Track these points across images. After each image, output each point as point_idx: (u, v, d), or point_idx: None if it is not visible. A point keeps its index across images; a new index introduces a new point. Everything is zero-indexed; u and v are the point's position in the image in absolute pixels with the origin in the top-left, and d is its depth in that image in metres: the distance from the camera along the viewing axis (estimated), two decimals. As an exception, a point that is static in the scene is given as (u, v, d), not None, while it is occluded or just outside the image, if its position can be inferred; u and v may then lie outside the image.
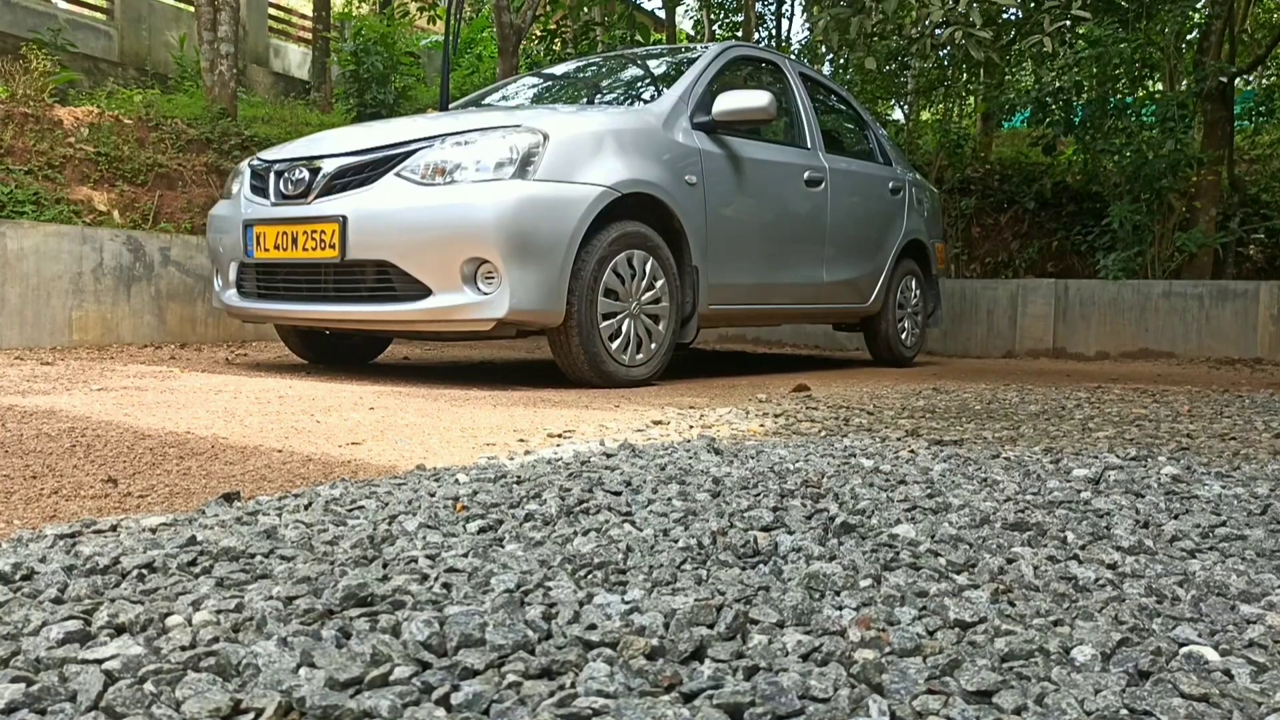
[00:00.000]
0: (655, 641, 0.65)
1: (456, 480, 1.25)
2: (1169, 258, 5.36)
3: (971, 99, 8.17)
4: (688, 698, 0.58)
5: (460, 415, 2.11)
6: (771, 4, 8.92)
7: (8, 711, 0.54)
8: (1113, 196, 5.69)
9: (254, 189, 3.01)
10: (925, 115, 8.83)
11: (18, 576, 0.78)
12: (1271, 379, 3.78)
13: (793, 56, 7.02)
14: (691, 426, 2.07)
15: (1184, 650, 0.67)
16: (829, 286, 3.89)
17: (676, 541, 0.94)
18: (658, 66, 3.55)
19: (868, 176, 4.20)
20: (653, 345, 3.01)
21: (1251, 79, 7.97)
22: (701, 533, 0.96)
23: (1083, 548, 0.95)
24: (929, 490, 1.20)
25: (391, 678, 0.59)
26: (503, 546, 0.92)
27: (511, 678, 0.59)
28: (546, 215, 2.67)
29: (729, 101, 3.20)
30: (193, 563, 0.84)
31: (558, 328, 2.79)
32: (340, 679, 0.58)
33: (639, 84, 3.55)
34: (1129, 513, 1.09)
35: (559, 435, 1.86)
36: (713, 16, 9.12)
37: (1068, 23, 4.56)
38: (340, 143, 2.90)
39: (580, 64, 3.91)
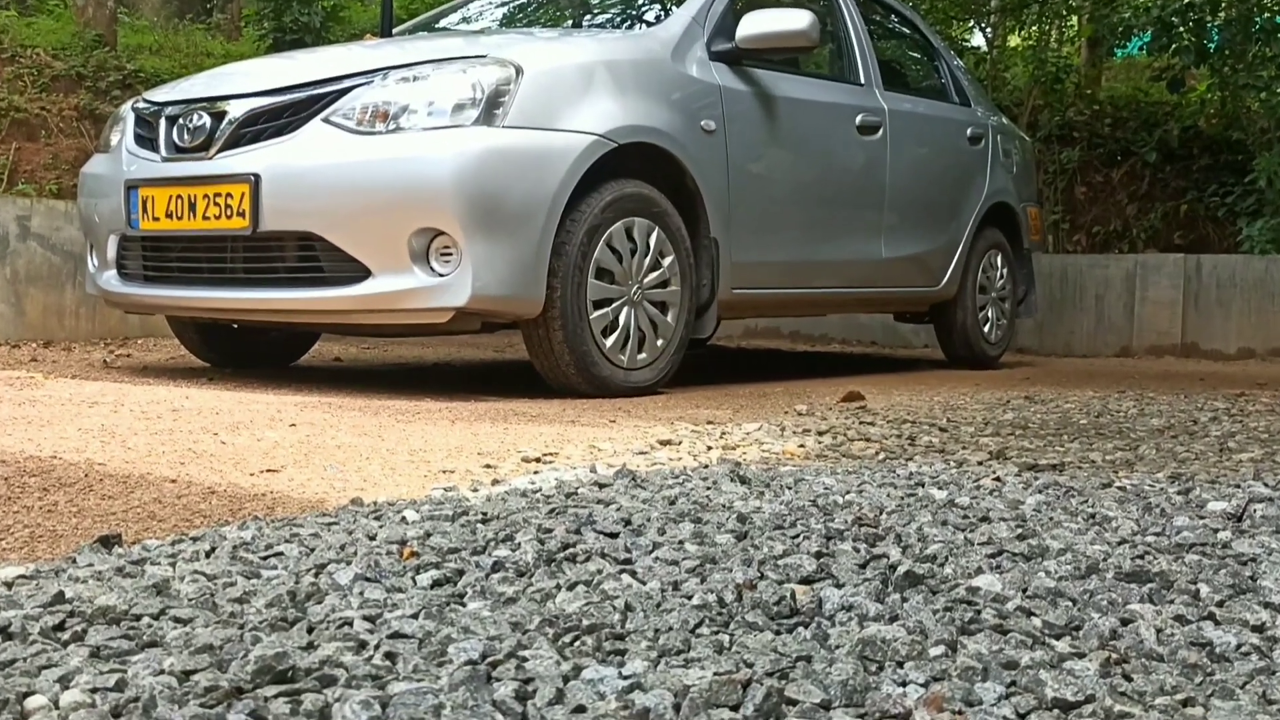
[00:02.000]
0: (663, 728, 0.65)
1: (404, 518, 1.26)
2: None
3: (1074, 19, 8.15)
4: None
5: (409, 434, 2.12)
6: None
7: None
8: (1259, 146, 5.67)
9: (139, 140, 3.02)
10: (1014, 41, 8.80)
11: None
12: None
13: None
14: (710, 448, 2.08)
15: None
16: (889, 265, 3.91)
17: (690, 598, 0.94)
18: (664, -23, 3.62)
19: (939, 121, 4.22)
20: (659, 342, 3.05)
21: None
22: (723, 586, 0.97)
23: (1220, 605, 0.95)
24: (1020, 530, 1.21)
25: (319, 779, 0.59)
26: (464, 605, 0.93)
27: (475, 778, 0.59)
28: (520, 173, 2.69)
29: (758, 23, 3.21)
30: (60, 626, 0.84)
31: (535, 319, 2.83)
32: (252, 780, 0.58)
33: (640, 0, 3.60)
34: (1281, 559, 1.11)
35: (537, 459, 1.89)
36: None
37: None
38: (252, 79, 2.92)
39: (564, -27, 3.96)
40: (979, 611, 0.91)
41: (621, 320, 2.95)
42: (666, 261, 3.04)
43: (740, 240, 3.27)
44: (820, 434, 2.29)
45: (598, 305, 2.89)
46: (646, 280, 3.00)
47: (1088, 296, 5.42)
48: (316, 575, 1.01)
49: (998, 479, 1.58)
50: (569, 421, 2.41)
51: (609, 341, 2.92)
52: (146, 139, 3.00)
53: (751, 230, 3.31)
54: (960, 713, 0.69)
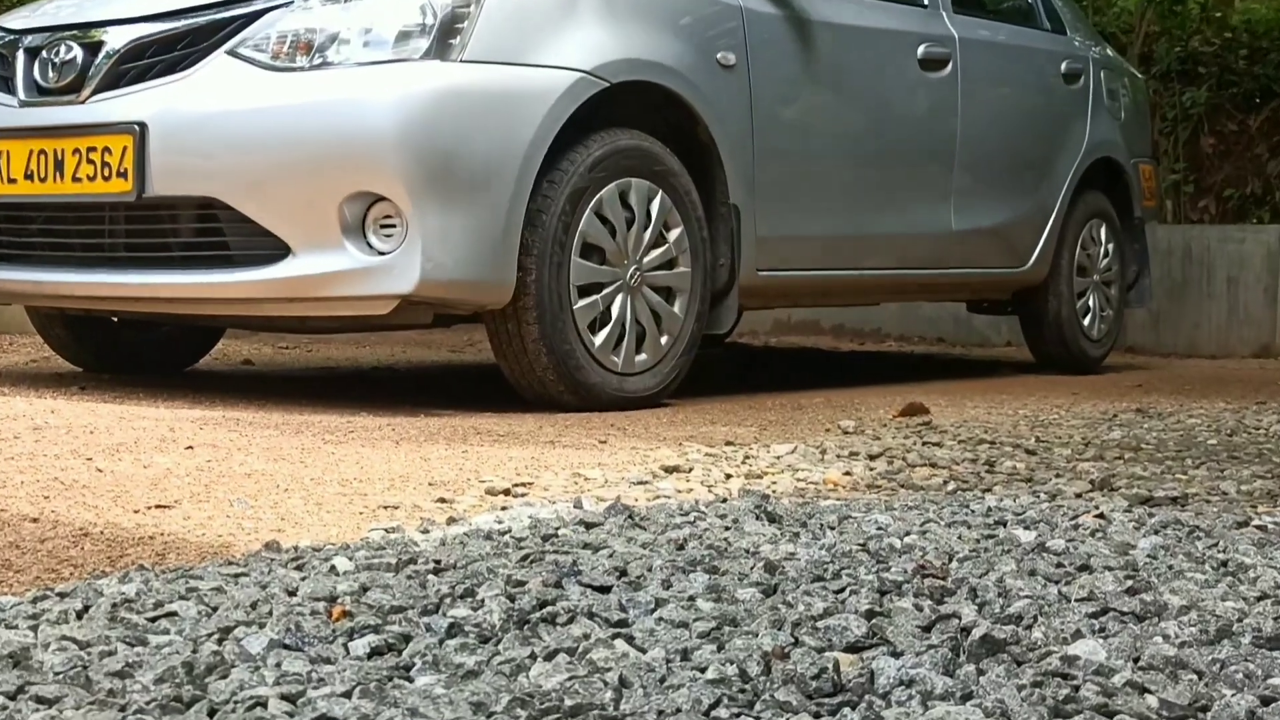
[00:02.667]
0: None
1: (333, 568, 1.26)
2: None
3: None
4: None
5: (340, 459, 2.13)
6: None
7: None
8: None
9: (-9, 78, 3.04)
10: (1122, -52, 8.79)
11: None
12: None
13: None
14: (729, 476, 2.08)
15: None
16: (961, 239, 3.92)
17: (703, 670, 0.94)
18: None
19: (1025, 53, 4.23)
20: (663, 339, 3.07)
21: None
22: (745, 655, 0.97)
23: (1390, 679, 0.95)
24: (1130, 582, 1.21)
25: None
26: (410, 680, 0.93)
27: None
28: (483, 121, 2.70)
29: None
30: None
31: (503, 310, 2.84)
32: None
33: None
34: None
35: (506, 491, 1.90)
36: None
37: None
38: (136, 0, 2.92)
39: None
40: (1077, 688, 0.91)
41: (614, 311, 2.96)
42: (673, 235, 3.05)
43: (768, 208, 3.27)
44: (872, 458, 2.28)
45: (584, 292, 2.90)
46: (646, 260, 3.01)
47: (1217, 280, 5.42)
48: (220, 642, 1.01)
49: (1101, 516, 1.59)
50: (547, 442, 2.42)
51: (598, 339, 2.93)
52: (0, 78, 3.00)
53: (783, 195, 3.30)
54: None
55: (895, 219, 3.71)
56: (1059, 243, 4.28)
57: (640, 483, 2.00)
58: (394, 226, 2.66)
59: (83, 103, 2.80)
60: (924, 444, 2.47)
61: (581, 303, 2.90)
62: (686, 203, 3.07)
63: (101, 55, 2.81)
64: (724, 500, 1.76)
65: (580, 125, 2.85)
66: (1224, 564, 1.31)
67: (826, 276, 3.60)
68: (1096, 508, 1.67)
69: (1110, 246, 4.55)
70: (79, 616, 1.09)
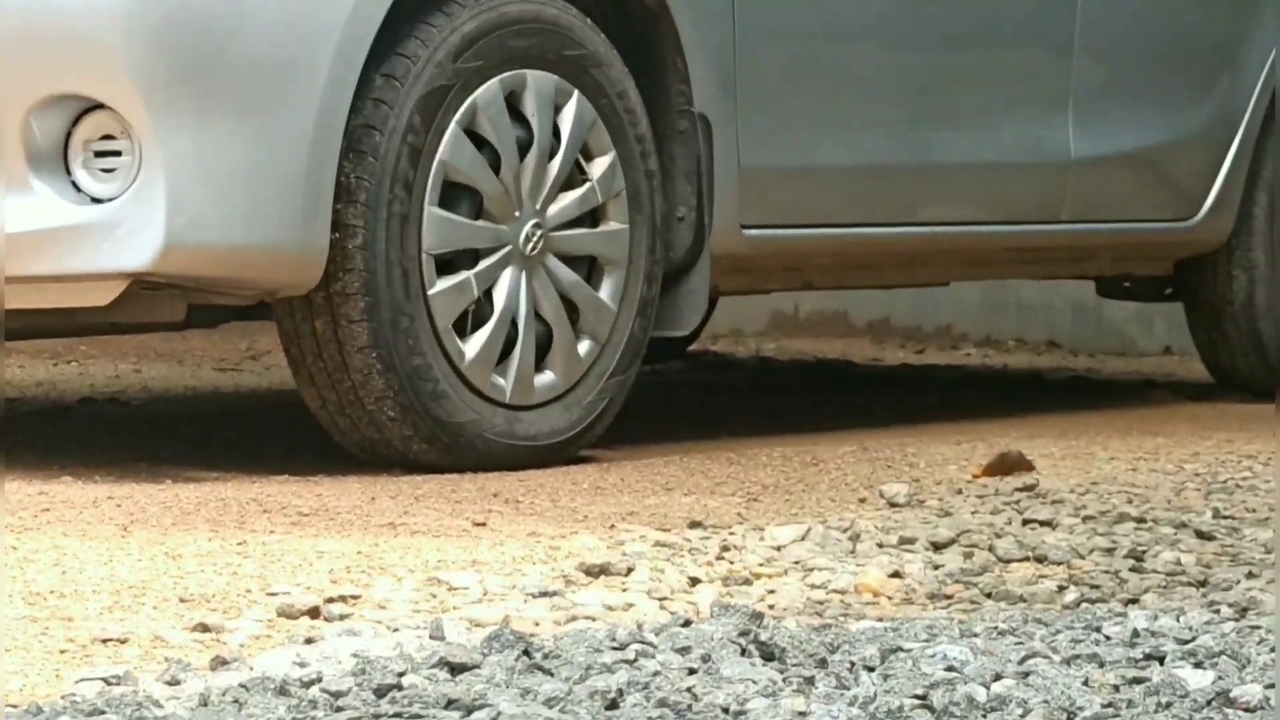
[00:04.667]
0: None
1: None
2: None
3: None
4: None
5: (28, 557, 2.11)
6: None
7: None
8: None
9: None
10: None
11: None
12: None
13: None
14: (697, 581, 2.08)
15: None
16: (1085, 173, 3.99)
17: None
18: None
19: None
20: (582, 346, 3.11)
21: None
22: None
23: None
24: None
25: None
26: None
27: None
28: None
29: None
30: None
31: (309, 298, 2.89)
32: None
33: None
34: None
35: (313, 611, 1.89)
36: None
37: None
38: None
39: None
40: None
41: (498, 300, 2.99)
42: (598, 168, 3.09)
43: (760, 120, 3.30)
44: (938, 548, 2.30)
45: (446, 267, 2.96)
46: (553, 210, 3.05)
47: None
48: None
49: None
50: (384, 525, 2.42)
51: (471, 346, 2.97)
52: None
53: (784, 99, 3.35)
54: None
55: (974, 140, 3.76)
56: (1252, 179, 4.30)
57: (545, 594, 1.99)
58: (119, 155, 2.67)
59: None
60: (1025, 523, 2.46)
61: (442, 284, 2.93)
62: (620, 112, 3.10)
63: None
64: (686, 623, 1.74)
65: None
66: None
67: (859, 236, 3.62)
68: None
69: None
70: None
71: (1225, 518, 2.51)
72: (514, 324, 2.99)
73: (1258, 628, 1.69)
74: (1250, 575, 2.11)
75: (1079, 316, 5.72)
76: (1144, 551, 2.27)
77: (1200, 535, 2.38)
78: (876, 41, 3.56)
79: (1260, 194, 4.34)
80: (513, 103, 2.99)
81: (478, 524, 2.44)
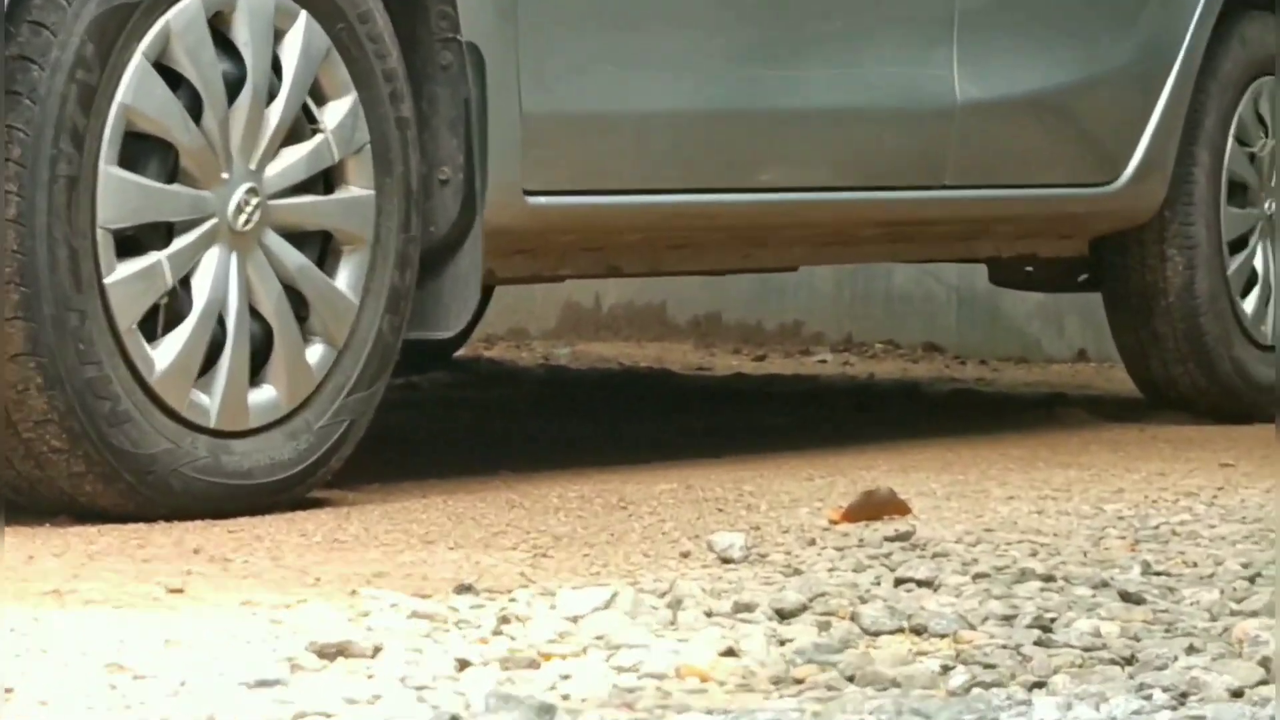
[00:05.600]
0: None
1: None
2: None
3: None
4: None
5: None
6: None
7: None
8: None
9: None
10: None
11: None
12: None
13: None
14: (466, 664, 1.96)
15: None
16: (975, 123, 4.01)
17: None
18: None
19: None
20: (312, 352, 3.11)
21: None
22: None
23: None
24: None
25: None
26: None
27: None
28: None
29: None
30: None
31: None
32: None
33: None
34: None
35: None
36: None
37: None
38: None
39: None
40: None
41: (199, 291, 2.92)
42: (333, 115, 3.06)
43: (547, 55, 3.31)
44: (784, 617, 2.23)
45: (130, 246, 2.89)
46: (272, 170, 3.00)
47: None
48: None
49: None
50: (46, 593, 2.29)
51: (162, 352, 2.89)
52: None
53: (577, 26, 3.37)
54: None
55: (829, 80, 3.73)
56: (1191, 131, 4.32)
57: (263, 684, 1.82)
58: None
59: None
60: (898, 583, 2.40)
61: (124, 270, 2.84)
62: (363, 40, 3.05)
63: None
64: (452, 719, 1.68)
65: None
66: None
67: (680, 206, 3.51)
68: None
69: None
70: None
71: (1157, 574, 2.52)
72: (221, 323, 2.94)
73: (1200, 718, 1.71)
74: (1191, 650, 2.04)
75: (966, 311, 5.75)
76: (1053, 620, 2.19)
77: (1125, 598, 2.34)
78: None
79: (1202, 151, 4.38)
80: (219, 27, 2.93)
81: (173, 590, 2.34)
